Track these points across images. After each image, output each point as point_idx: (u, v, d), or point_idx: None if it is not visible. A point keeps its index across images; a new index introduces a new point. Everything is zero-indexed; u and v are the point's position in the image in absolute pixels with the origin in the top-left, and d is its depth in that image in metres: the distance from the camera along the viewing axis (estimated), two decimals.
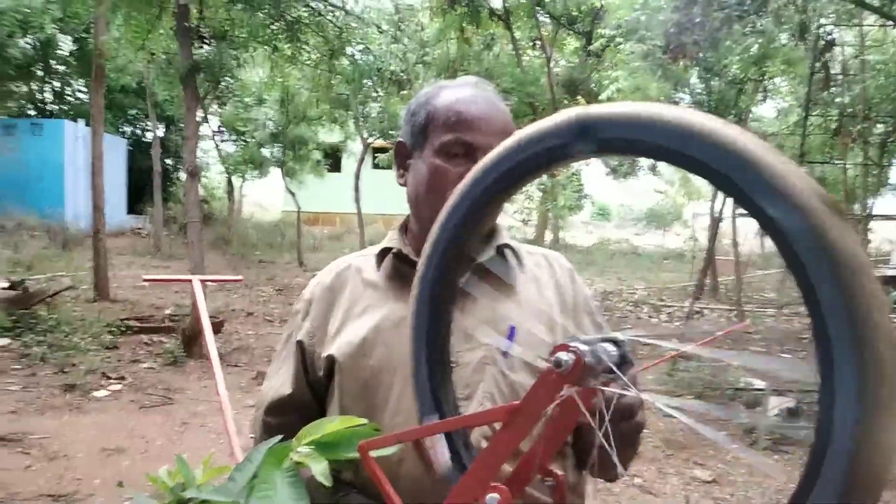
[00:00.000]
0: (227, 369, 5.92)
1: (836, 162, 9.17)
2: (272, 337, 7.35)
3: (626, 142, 0.49)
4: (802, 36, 7.05)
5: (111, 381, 5.38)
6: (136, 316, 7.58)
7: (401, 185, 1.11)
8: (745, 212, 0.43)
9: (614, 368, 0.53)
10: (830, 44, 7.50)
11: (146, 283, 7.89)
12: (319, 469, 0.75)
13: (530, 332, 1.00)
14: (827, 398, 0.40)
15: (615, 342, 0.56)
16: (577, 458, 1.07)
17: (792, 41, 7.62)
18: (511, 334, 1.02)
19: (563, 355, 0.52)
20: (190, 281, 3.93)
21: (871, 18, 7.91)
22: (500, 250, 1.09)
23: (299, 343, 1.10)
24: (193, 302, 4.71)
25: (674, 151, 0.46)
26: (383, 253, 1.11)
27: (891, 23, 6.67)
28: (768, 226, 0.42)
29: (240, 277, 4.30)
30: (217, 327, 7.02)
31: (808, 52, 7.13)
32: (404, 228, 1.15)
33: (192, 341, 6.06)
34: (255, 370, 5.89)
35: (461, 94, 1.05)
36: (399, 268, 1.09)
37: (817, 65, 6.87)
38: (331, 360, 1.06)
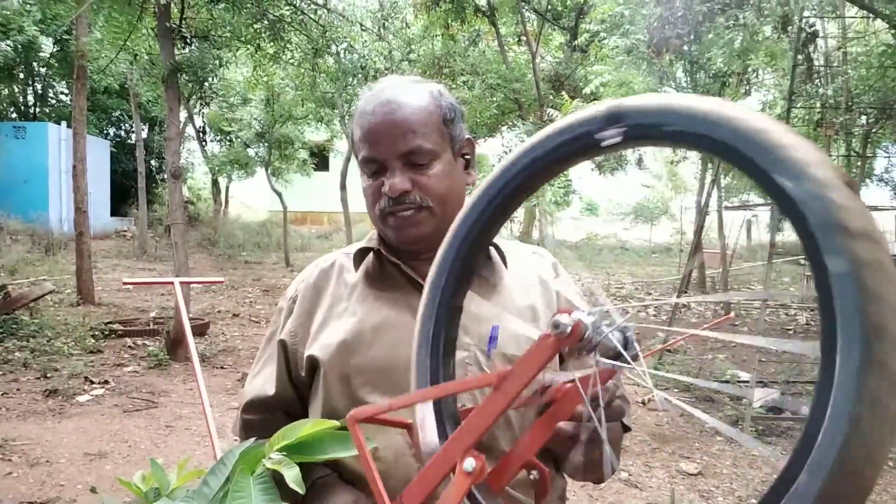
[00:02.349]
0: (213, 371, 5.88)
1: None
2: (258, 338, 7.31)
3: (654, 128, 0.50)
4: (785, 28, 7.07)
5: (94, 385, 5.34)
6: (120, 319, 7.52)
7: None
8: (768, 197, 0.44)
9: (619, 347, 0.52)
10: (813, 36, 7.52)
11: (129, 286, 7.83)
12: (291, 476, 0.75)
13: (514, 332, 1.01)
14: (824, 388, 0.39)
15: (621, 330, 0.54)
16: (555, 460, 1.06)
17: (775, 34, 7.64)
18: (493, 333, 1.01)
19: (563, 318, 0.52)
20: (171, 283, 3.90)
21: (853, 10, 7.94)
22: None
23: (282, 342, 1.10)
24: (176, 304, 4.67)
25: (698, 135, 0.47)
26: (362, 253, 1.10)
27: (872, 15, 6.70)
28: (787, 207, 0.43)
29: (222, 279, 4.28)
30: (202, 329, 6.97)
31: (791, 44, 7.16)
32: None
33: (176, 344, 6.01)
34: (240, 372, 5.85)
35: (366, 107, 1.03)
36: (379, 268, 1.08)
37: (800, 57, 6.89)
38: (313, 360, 1.05)
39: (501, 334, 1.01)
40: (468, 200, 0.63)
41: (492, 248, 1.09)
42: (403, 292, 1.05)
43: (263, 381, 1.11)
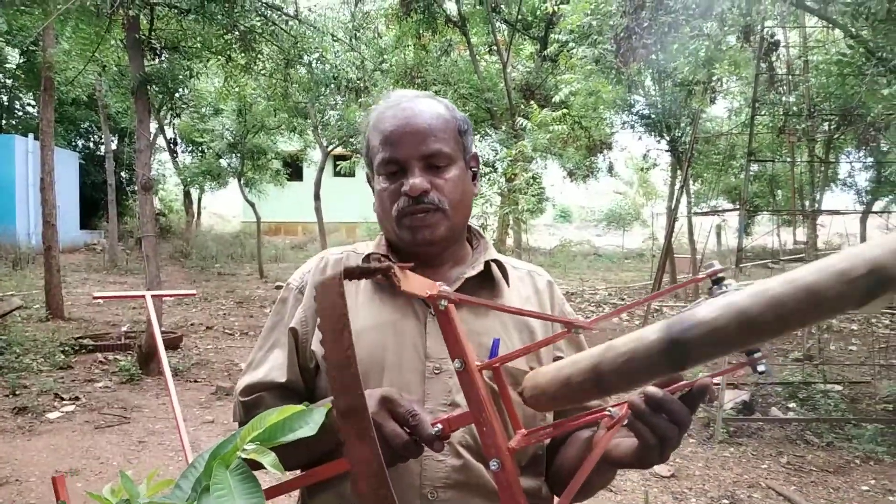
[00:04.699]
0: (186, 385, 5.83)
1: (786, 160, 9.43)
2: (232, 351, 7.25)
3: None
4: (748, 38, 7.25)
5: (65, 401, 5.25)
6: (90, 334, 7.41)
7: (375, 211, 1.13)
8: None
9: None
10: (775, 45, 7.72)
11: (100, 300, 7.73)
12: (269, 461, 0.76)
13: (514, 346, 1.03)
14: None
15: None
16: (551, 483, 1.09)
17: (738, 43, 7.83)
18: (495, 346, 1.03)
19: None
20: (143, 297, 3.88)
21: (813, 20, 8.17)
22: (488, 265, 1.11)
23: (293, 331, 1.08)
24: (148, 318, 4.63)
25: None
26: (368, 258, 1.11)
27: (831, 25, 6.90)
28: None
29: (193, 292, 4.25)
30: (175, 342, 6.90)
31: (754, 53, 7.33)
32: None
33: (148, 358, 5.94)
34: (214, 385, 5.80)
35: (385, 113, 1.07)
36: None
37: (763, 66, 7.06)
38: (315, 355, 1.06)
39: (502, 348, 1.02)
40: None
41: (493, 265, 1.12)
42: (409, 298, 1.06)
43: (269, 368, 1.07)
